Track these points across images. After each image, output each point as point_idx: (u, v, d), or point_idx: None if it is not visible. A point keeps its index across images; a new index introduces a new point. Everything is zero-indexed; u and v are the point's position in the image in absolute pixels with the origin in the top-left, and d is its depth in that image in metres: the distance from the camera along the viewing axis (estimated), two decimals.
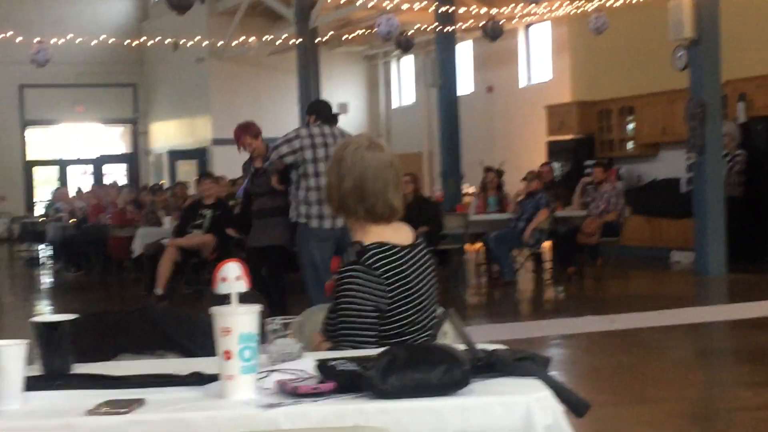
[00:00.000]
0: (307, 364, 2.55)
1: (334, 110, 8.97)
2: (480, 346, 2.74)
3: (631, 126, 17.75)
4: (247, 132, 9.53)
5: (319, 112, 8.70)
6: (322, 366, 2.46)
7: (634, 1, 14.84)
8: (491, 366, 2.60)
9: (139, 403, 2.32)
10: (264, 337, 2.60)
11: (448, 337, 3.36)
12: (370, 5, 17.62)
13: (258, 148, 9.55)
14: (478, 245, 14.04)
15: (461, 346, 2.69)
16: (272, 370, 2.53)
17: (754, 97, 14.80)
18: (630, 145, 17.80)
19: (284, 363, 2.64)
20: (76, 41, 19.77)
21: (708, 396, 7.04)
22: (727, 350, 8.86)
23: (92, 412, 2.25)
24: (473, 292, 13.29)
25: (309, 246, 8.37)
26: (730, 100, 14.82)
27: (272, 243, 9.49)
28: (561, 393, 2.48)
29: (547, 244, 13.73)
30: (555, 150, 18.93)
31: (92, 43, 21.17)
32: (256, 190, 9.65)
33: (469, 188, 19.14)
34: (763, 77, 14.68)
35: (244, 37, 21.67)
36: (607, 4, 14.92)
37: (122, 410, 2.25)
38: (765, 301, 10.89)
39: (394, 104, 28.15)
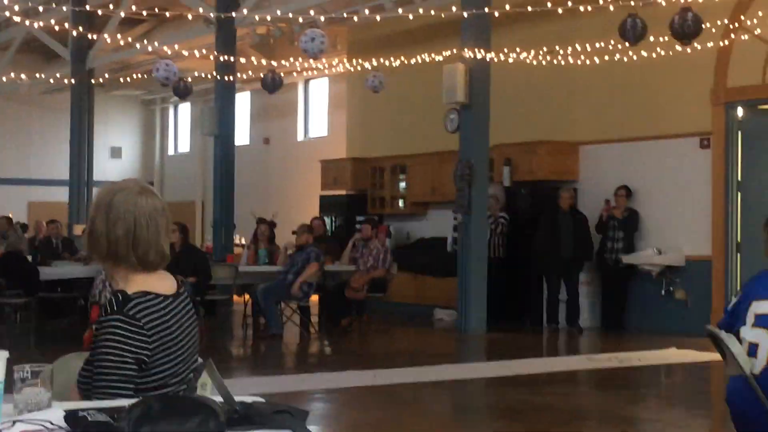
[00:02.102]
0: (55, 415, 2.47)
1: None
2: (238, 398, 2.72)
3: (402, 184, 18.11)
4: None
5: None
6: (71, 416, 2.39)
7: (410, 63, 15.24)
8: (248, 418, 2.59)
9: None
10: (11, 385, 2.51)
11: (207, 388, 3.33)
12: (149, 49, 17.42)
13: None
14: (247, 297, 13.97)
15: (219, 398, 2.66)
16: (16, 420, 2.44)
17: (519, 161, 15.43)
18: (401, 203, 18.16)
19: (31, 413, 2.55)
20: None
21: None
22: (484, 407, 9.13)
23: None
24: (239, 344, 13.19)
25: None
26: (497, 164, 15.39)
27: None
28: None
29: (314, 298, 13.81)
30: (328, 204, 19.11)
31: None
32: None
33: (241, 239, 19.07)
34: (528, 143, 15.34)
35: (13, 74, 20.95)
36: (385, 64, 15.27)
37: None
38: (521, 359, 11.31)
39: (170, 151, 27.83)
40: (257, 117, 24.18)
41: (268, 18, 15.90)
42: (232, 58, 16.68)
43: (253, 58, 18.06)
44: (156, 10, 16.37)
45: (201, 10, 16.56)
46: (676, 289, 13.94)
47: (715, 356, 4.97)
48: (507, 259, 15.07)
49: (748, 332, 4.49)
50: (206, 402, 2.46)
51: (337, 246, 15.33)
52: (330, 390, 9.30)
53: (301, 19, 14.68)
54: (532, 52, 14.05)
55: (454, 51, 14.12)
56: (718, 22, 12.62)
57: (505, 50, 13.96)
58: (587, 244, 14.53)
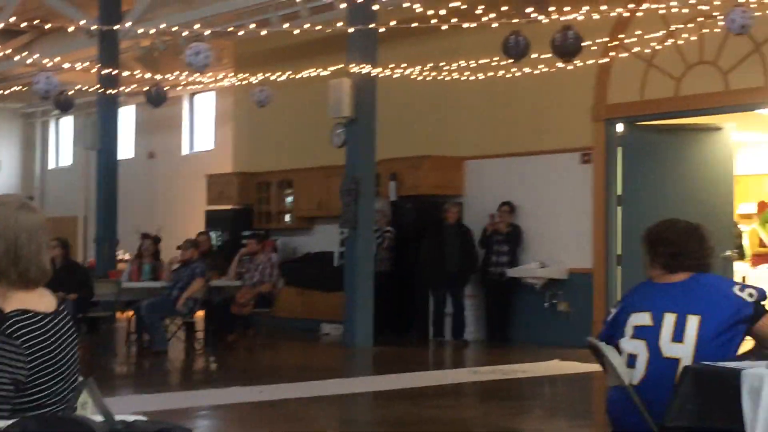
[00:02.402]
0: None
1: None
2: (119, 417, 2.69)
3: (289, 199, 18.08)
4: None
5: None
6: None
7: (297, 77, 15.23)
8: None
9: None
10: None
11: (88, 408, 3.27)
12: (29, 62, 17.07)
13: None
14: (131, 313, 13.77)
15: (99, 418, 2.62)
16: None
17: (405, 176, 15.54)
18: (288, 217, 18.12)
19: None
20: None
21: None
22: (371, 421, 9.14)
23: None
24: (122, 362, 12.99)
25: None
26: (383, 179, 15.47)
27: None
28: None
29: (200, 314, 13.69)
30: (214, 219, 18.95)
31: None
32: None
33: (124, 254, 18.79)
34: (413, 158, 15.46)
35: None
36: (271, 78, 15.22)
37: None
38: (407, 373, 11.37)
39: (51, 165, 27.30)
40: (142, 130, 23.88)
41: (153, 31, 15.71)
42: (115, 71, 16.44)
43: (137, 72, 17.85)
44: (36, 21, 16.05)
45: (83, 22, 16.29)
46: (559, 301, 14.18)
47: (597, 367, 5.08)
48: (393, 273, 15.15)
49: (627, 343, 4.59)
50: (85, 422, 2.42)
51: (223, 261, 15.22)
52: (216, 406, 9.23)
53: (186, 33, 14.54)
54: (418, 68, 14.17)
55: (341, 66, 14.16)
56: (599, 40, 12.91)
57: (391, 65, 14.05)
58: (472, 258, 14.69)
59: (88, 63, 16.76)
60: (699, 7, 11.69)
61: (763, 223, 15.46)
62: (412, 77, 14.23)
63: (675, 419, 4.13)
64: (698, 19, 12.32)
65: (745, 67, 12.59)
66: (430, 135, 15.83)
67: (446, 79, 14.15)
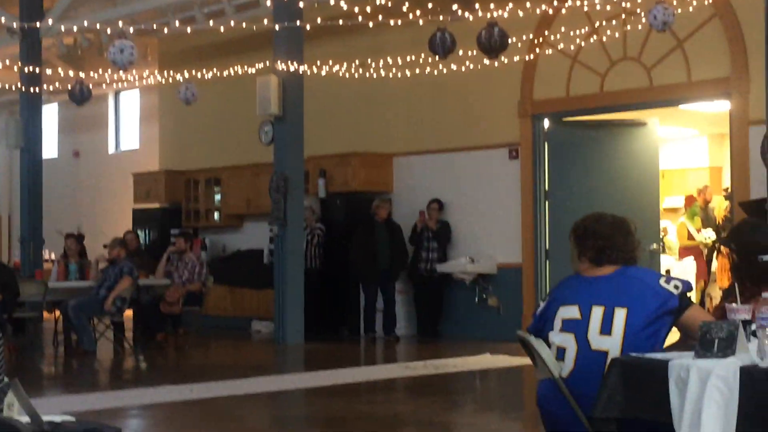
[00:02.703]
0: None
1: None
2: (47, 417, 2.66)
3: (217, 197, 17.98)
4: None
5: None
6: None
7: (224, 75, 15.14)
8: None
9: None
10: None
11: (14, 409, 3.23)
12: None
13: None
14: (58, 313, 13.59)
15: (25, 418, 2.59)
16: None
17: (334, 173, 15.53)
18: (216, 215, 18.01)
19: None
20: None
21: None
22: (302, 417, 9.14)
23: None
24: (50, 362, 12.84)
25: None
26: (312, 176, 15.45)
27: None
28: None
29: (129, 313, 13.56)
30: (141, 218, 18.79)
31: None
32: None
33: (50, 254, 18.54)
34: (342, 155, 15.46)
35: None
36: (198, 76, 15.11)
37: None
38: (339, 369, 11.38)
39: None
40: (66, 129, 23.58)
41: (75, 28, 15.50)
42: (37, 69, 16.20)
43: (60, 70, 17.60)
44: None
45: (3, 19, 16.03)
46: (489, 296, 14.29)
47: (527, 361, 5.12)
48: (324, 270, 15.15)
49: (556, 336, 4.64)
50: (11, 423, 2.39)
51: (151, 260, 15.10)
52: (145, 406, 9.15)
53: (109, 30, 14.37)
54: (345, 65, 14.17)
55: (267, 63, 14.11)
56: (524, 37, 13.02)
57: (318, 63, 14.03)
58: (403, 254, 14.74)
59: (9, 61, 16.50)
60: (622, 4, 11.85)
61: (691, 217, 15.72)
62: (339, 74, 14.23)
63: (603, 411, 4.18)
64: (621, 16, 12.49)
65: (668, 63, 12.79)
66: (359, 132, 15.85)
67: (373, 76, 14.17)
